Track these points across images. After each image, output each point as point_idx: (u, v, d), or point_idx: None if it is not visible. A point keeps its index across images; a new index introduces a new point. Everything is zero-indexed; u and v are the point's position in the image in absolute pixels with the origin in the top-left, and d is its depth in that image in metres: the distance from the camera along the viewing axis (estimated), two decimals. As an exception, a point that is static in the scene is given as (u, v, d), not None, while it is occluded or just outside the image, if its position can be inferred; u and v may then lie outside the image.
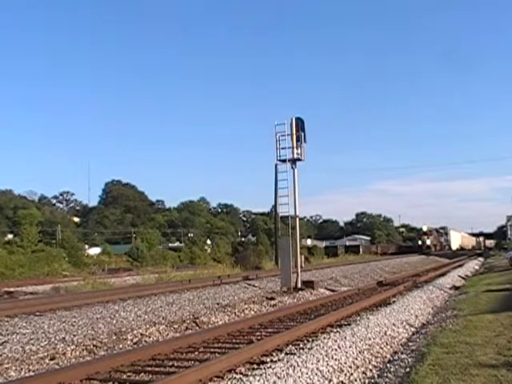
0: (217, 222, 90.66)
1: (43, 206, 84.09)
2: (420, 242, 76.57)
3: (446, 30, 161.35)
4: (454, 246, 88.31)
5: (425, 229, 79.69)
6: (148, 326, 10.78)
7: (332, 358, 7.35)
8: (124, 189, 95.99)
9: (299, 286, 17.95)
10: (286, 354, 7.51)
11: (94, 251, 55.19)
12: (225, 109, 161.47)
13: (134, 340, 9.75)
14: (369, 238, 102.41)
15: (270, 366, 6.65)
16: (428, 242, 75.26)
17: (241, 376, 6.34)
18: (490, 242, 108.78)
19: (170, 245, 69.28)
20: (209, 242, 70.52)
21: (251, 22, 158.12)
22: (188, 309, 13.25)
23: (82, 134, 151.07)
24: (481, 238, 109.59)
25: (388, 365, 7.39)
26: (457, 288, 19.38)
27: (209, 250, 57.40)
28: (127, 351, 8.32)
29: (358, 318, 10.86)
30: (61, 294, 18.07)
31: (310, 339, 8.54)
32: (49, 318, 11.03)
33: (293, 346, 8.10)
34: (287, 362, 6.85)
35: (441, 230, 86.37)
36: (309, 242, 78.05)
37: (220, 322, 11.82)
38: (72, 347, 8.83)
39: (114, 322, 11.08)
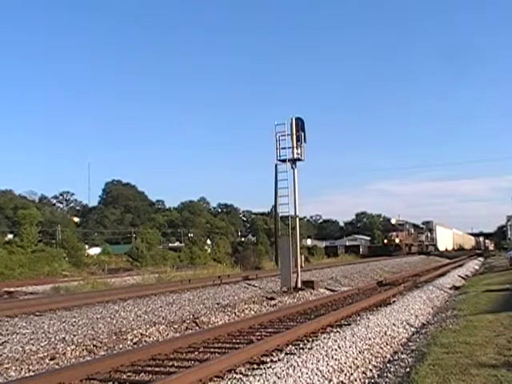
0: (217, 222, 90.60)
1: (43, 206, 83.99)
2: (386, 241, 56.11)
3: (445, 30, 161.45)
4: (443, 246, 72.12)
5: (393, 222, 57.90)
6: (148, 326, 10.78)
7: (332, 357, 7.35)
8: (124, 189, 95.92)
9: (299, 285, 17.94)
10: (286, 354, 7.51)
11: (94, 251, 55.13)
12: (225, 109, 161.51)
13: (134, 340, 9.75)
14: (369, 238, 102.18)
15: (270, 366, 6.65)
16: (397, 240, 54.85)
17: (241, 376, 6.34)
18: (488, 242, 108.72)
19: (170, 245, 69.24)
20: (209, 242, 70.48)
21: (251, 23, 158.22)
22: (188, 309, 13.25)
23: (82, 134, 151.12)
24: (481, 238, 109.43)
25: (388, 365, 7.39)
26: (457, 288, 19.39)
27: (209, 250, 57.36)
28: (127, 351, 8.31)
29: (358, 317, 10.86)
30: (61, 294, 18.06)
31: (310, 339, 8.54)
32: (49, 318, 11.03)
33: (293, 345, 8.11)
34: (287, 361, 6.85)
35: (422, 226, 66.50)
36: (309, 242, 77.50)
37: (220, 322, 11.82)
38: (72, 347, 8.83)
39: (114, 322, 11.08)
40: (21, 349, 8.52)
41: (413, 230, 60.21)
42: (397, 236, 55.06)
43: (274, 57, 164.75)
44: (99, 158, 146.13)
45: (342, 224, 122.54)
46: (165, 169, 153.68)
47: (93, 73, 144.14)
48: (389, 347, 8.73)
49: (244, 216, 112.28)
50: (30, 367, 7.62)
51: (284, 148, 18.47)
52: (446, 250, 71.90)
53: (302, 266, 19.14)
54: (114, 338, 9.75)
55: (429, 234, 68.05)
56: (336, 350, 7.76)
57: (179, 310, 12.94)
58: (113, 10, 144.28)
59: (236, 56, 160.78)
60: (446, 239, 75.60)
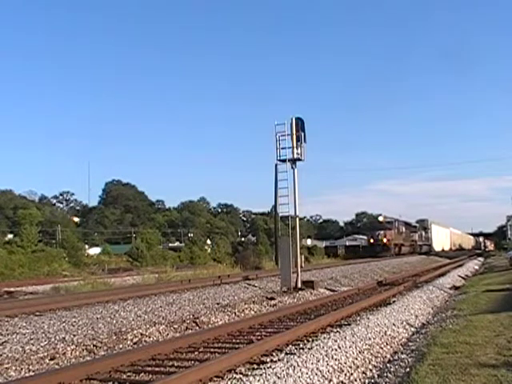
0: (217, 222, 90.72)
1: (43, 206, 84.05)
2: (372, 240, 50.16)
3: (445, 30, 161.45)
4: (439, 246, 67.84)
5: (381, 219, 51.98)
6: (148, 326, 10.77)
7: (332, 357, 7.35)
8: (124, 189, 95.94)
9: (299, 285, 17.94)
10: (286, 353, 7.51)
11: (94, 251, 55.13)
12: (225, 108, 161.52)
13: (134, 340, 9.75)
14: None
15: (270, 366, 6.65)
16: (385, 239, 49.06)
17: (241, 376, 6.34)
18: (487, 242, 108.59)
19: (170, 245, 69.22)
20: (209, 241, 70.48)
21: (251, 23, 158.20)
22: (188, 309, 13.24)
23: (82, 134, 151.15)
24: (480, 238, 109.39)
25: (388, 365, 7.39)
26: (457, 288, 19.39)
27: (209, 250, 57.34)
28: (127, 351, 8.31)
29: (358, 317, 10.86)
30: (61, 294, 18.04)
31: (310, 339, 8.54)
32: (49, 317, 11.03)
33: (293, 345, 8.10)
34: (287, 361, 6.85)
35: (415, 224, 61.35)
36: (309, 242, 77.32)
37: (220, 322, 11.82)
38: (72, 347, 8.83)
39: (114, 322, 11.07)
40: (21, 349, 8.52)
41: (404, 229, 54.89)
42: (384, 235, 49.24)
43: (274, 56, 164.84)
44: (99, 157, 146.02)
45: (342, 224, 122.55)
46: (165, 169, 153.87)
47: (93, 73, 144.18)
48: (389, 347, 8.73)
49: (244, 216, 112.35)
50: (30, 367, 7.61)
51: (284, 148, 18.48)
52: (443, 250, 68.22)
53: (301, 266, 19.14)
54: (114, 338, 9.75)
55: (423, 233, 63.19)
56: (336, 349, 7.76)
57: (179, 310, 12.93)
58: (113, 10, 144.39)
59: (236, 56, 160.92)
60: (442, 239, 71.71)
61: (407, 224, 57.25)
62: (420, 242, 60.95)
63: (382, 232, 49.39)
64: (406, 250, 53.12)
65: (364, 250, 51.88)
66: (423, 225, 63.86)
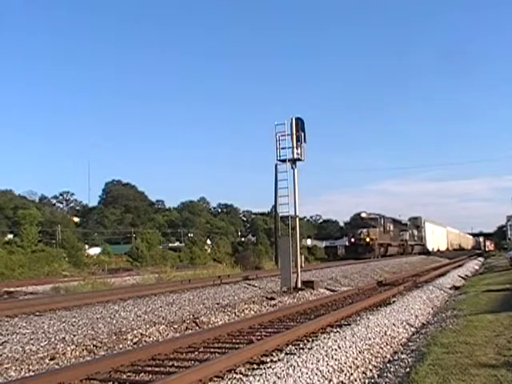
0: (217, 222, 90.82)
1: (43, 206, 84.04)
2: (353, 239, 44.13)
3: (446, 30, 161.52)
4: (434, 246, 62.82)
5: (364, 215, 45.26)
6: (148, 326, 10.77)
7: (332, 357, 7.35)
8: (124, 189, 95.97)
9: (299, 286, 17.94)
10: (286, 353, 7.51)
11: (94, 251, 55.09)
12: (225, 108, 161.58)
13: (134, 340, 9.74)
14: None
15: (270, 366, 6.65)
16: (368, 238, 42.87)
17: (241, 376, 6.34)
18: (487, 242, 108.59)
19: (170, 245, 69.20)
20: (209, 241, 70.47)
21: (251, 23, 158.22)
22: (188, 309, 13.24)
23: (82, 135, 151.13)
24: (480, 238, 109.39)
25: (388, 365, 7.39)
26: (457, 288, 19.39)
27: (209, 250, 57.33)
28: (127, 351, 8.31)
29: (358, 317, 10.86)
30: (61, 294, 18.04)
31: (310, 339, 8.54)
32: (49, 318, 11.02)
33: (293, 345, 8.10)
34: (287, 361, 6.85)
35: (406, 222, 55.35)
36: (309, 242, 77.27)
37: (220, 322, 11.82)
38: (72, 347, 8.82)
39: (114, 322, 11.07)
40: (21, 349, 8.51)
41: (392, 227, 48.24)
42: (368, 234, 43.07)
43: (274, 56, 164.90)
44: (99, 157, 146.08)
45: (341, 224, 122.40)
46: (165, 168, 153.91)
47: (93, 73, 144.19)
48: (389, 347, 8.73)
49: (244, 216, 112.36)
50: (30, 367, 7.61)
51: (284, 148, 18.46)
52: (439, 250, 63.86)
53: (302, 266, 19.14)
54: (114, 337, 9.74)
55: (415, 232, 57.17)
56: (336, 349, 7.75)
57: (179, 310, 12.93)
58: (113, 10, 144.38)
59: (236, 56, 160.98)
60: (437, 238, 66.44)
61: (396, 221, 51.18)
62: (412, 241, 55.26)
63: (364, 230, 43.36)
64: (393, 251, 47.54)
65: (344, 251, 47.07)
66: (416, 223, 58.46)
